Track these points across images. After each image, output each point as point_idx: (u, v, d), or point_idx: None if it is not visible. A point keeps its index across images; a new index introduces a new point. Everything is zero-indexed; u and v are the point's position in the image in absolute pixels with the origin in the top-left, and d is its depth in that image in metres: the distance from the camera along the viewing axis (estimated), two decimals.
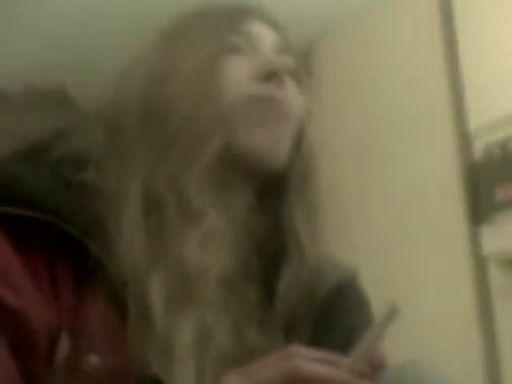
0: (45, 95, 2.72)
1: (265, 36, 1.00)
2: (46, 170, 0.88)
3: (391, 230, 2.65)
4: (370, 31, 2.86)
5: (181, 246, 0.86)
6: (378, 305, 0.99)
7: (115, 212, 0.86)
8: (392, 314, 0.78)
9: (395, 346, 0.86)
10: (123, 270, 0.83)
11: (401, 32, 2.78)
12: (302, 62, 1.07)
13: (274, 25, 1.03)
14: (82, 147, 0.92)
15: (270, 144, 0.94)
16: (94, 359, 0.80)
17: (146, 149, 0.91)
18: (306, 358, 0.77)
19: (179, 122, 0.91)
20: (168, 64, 0.95)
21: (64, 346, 0.81)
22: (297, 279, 0.94)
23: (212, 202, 0.89)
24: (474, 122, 2.55)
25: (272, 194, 0.97)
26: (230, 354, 0.81)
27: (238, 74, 0.95)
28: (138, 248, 0.85)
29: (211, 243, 0.87)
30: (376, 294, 1.03)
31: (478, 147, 2.52)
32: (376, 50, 2.84)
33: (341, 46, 2.88)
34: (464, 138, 2.57)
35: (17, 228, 0.84)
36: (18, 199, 0.84)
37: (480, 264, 2.47)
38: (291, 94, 0.98)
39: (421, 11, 2.74)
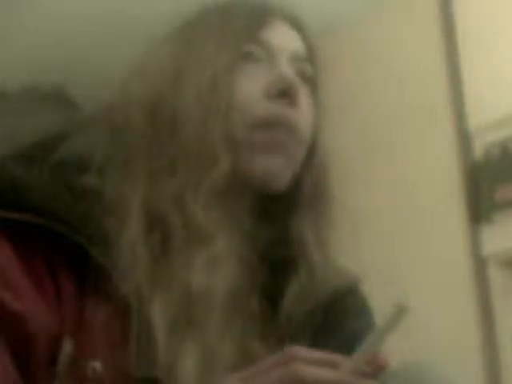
0: (45, 95, 2.71)
1: (284, 44, 0.97)
2: (46, 173, 0.87)
3: (391, 229, 2.64)
4: (370, 32, 2.85)
5: (186, 270, 0.84)
6: (377, 305, 0.99)
7: (116, 222, 0.85)
8: (398, 316, 0.76)
9: (395, 345, 0.85)
10: (125, 285, 0.82)
11: (401, 32, 2.77)
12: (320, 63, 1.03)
13: (296, 24, 1.00)
14: (84, 149, 0.90)
15: (274, 171, 0.92)
16: (96, 365, 0.80)
17: (150, 160, 0.89)
18: (307, 361, 0.75)
19: (187, 137, 0.89)
20: (180, 69, 0.93)
21: (66, 351, 0.81)
22: (304, 293, 0.93)
23: (218, 223, 0.87)
24: (474, 121, 2.54)
25: (278, 205, 0.95)
26: (235, 370, 0.79)
27: (250, 90, 0.92)
28: (141, 267, 0.83)
29: (218, 266, 0.85)
30: (375, 294, 1.02)
31: (478, 147, 2.52)
32: (376, 50, 2.83)
33: (341, 47, 2.87)
34: (464, 138, 2.56)
35: (18, 232, 0.83)
36: (18, 203, 0.83)
37: (480, 264, 2.46)
38: (303, 112, 0.95)
39: (421, 11, 2.73)
